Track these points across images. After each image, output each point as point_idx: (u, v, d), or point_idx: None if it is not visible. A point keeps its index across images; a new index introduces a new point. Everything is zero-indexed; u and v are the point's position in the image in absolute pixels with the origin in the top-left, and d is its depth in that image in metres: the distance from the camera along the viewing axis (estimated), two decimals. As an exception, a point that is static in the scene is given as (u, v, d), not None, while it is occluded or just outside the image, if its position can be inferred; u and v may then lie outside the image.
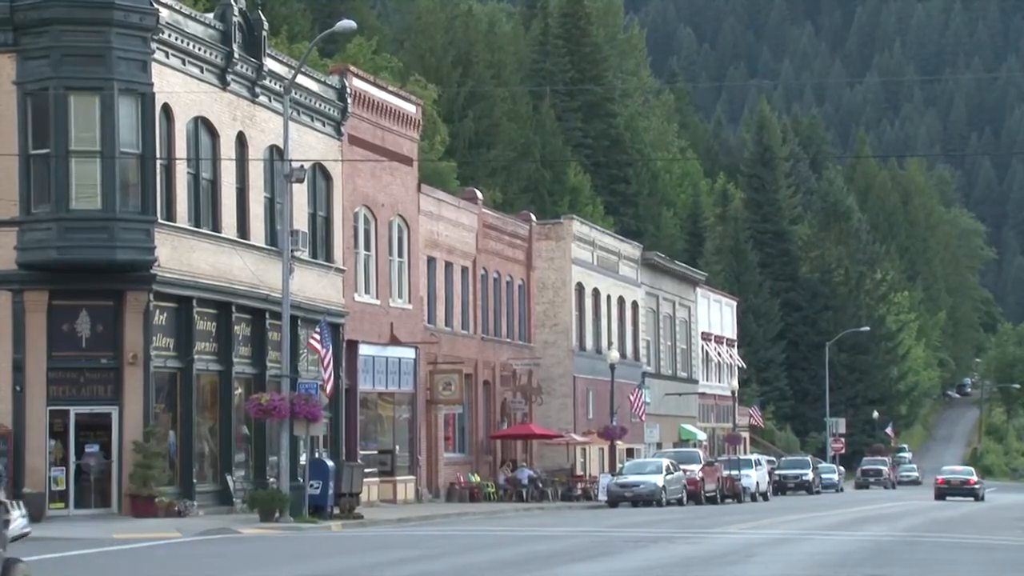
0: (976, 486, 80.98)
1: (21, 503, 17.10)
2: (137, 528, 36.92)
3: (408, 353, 59.38)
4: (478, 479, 64.81)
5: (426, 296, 61.62)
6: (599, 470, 74.94)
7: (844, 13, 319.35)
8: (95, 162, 40.99)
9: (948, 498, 77.99)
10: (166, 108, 43.13)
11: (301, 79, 49.21)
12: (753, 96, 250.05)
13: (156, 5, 42.13)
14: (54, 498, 41.18)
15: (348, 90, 53.88)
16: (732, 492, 72.92)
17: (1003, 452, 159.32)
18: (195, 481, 43.99)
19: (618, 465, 70.38)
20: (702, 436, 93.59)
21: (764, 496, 78.51)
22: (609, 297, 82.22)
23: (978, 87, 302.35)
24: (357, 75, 56.18)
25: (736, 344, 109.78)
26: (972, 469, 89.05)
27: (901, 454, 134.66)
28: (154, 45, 42.21)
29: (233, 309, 46.22)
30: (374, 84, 58.00)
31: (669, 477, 63.87)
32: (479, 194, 69.99)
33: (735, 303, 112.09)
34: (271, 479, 45.67)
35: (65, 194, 40.84)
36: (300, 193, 49.39)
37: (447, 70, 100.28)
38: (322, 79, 53.27)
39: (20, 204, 41.15)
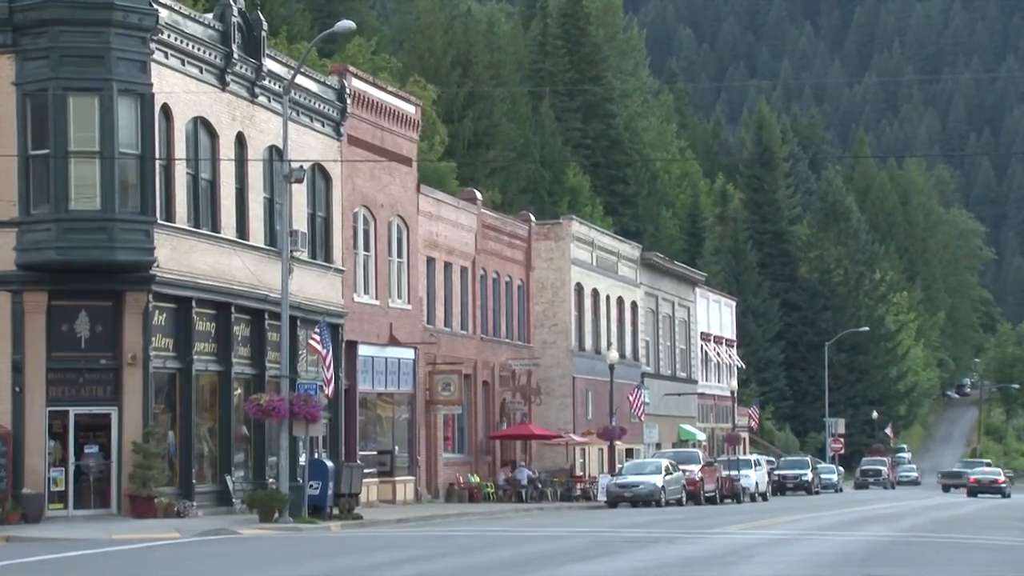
0: (1003, 485, 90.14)
1: None
2: (136, 529, 36.93)
3: (407, 353, 59.38)
4: (477, 479, 64.80)
5: (425, 296, 61.62)
6: (598, 470, 74.92)
7: (843, 13, 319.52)
8: (94, 163, 40.97)
9: (979, 495, 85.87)
10: (165, 108, 43.12)
11: (300, 79, 49.21)
12: (752, 96, 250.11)
13: (155, 5, 42.12)
14: (53, 499, 41.18)
15: (347, 90, 53.87)
16: (731, 492, 72.93)
17: (1002, 452, 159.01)
18: (194, 482, 44.00)
19: (617, 465, 70.37)
20: (701, 436, 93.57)
21: (763, 496, 78.56)
22: (608, 297, 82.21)
23: (977, 87, 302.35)
24: (356, 75, 56.17)
25: (735, 344, 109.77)
26: (1000, 470, 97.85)
27: (900, 454, 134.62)
28: (153, 45, 42.20)
29: (232, 309, 46.23)
30: (373, 84, 57.99)
31: (668, 477, 63.88)
32: (478, 194, 69.99)
33: (734, 303, 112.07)
34: (270, 479, 45.67)
35: (64, 195, 40.83)
36: (299, 193, 49.38)
37: (446, 70, 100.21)
38: (321, 79, 53.26)
39: (19, 205, 41.15)
